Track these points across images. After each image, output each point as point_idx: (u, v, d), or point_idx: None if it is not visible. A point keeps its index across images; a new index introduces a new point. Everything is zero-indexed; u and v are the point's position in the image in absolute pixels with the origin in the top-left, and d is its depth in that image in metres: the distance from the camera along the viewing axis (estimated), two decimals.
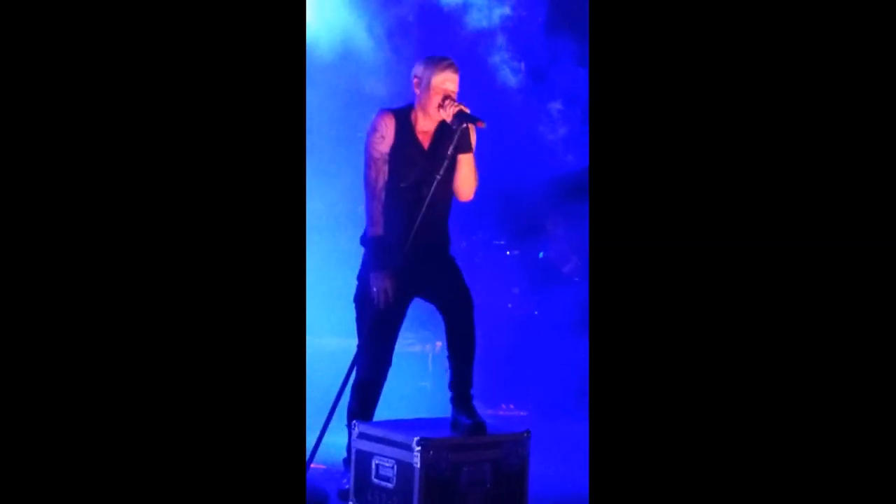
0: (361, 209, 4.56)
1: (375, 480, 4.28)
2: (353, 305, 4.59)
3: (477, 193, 7.20)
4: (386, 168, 4.43)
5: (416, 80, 4.49)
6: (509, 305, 7.65)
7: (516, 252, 7.72)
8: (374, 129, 4.45)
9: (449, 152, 4.39)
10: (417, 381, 6.84)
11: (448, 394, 4.49)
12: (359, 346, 4.59)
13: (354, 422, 4.44)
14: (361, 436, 4.36)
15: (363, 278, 4.54)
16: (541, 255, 7.73)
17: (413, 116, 4.49)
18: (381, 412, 4.75)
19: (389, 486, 4.21)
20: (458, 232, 7.33)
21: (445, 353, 4.54)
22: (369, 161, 4.46)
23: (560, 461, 5.58)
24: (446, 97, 4.40)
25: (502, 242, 7.70)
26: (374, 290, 4.42)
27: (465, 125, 4.38)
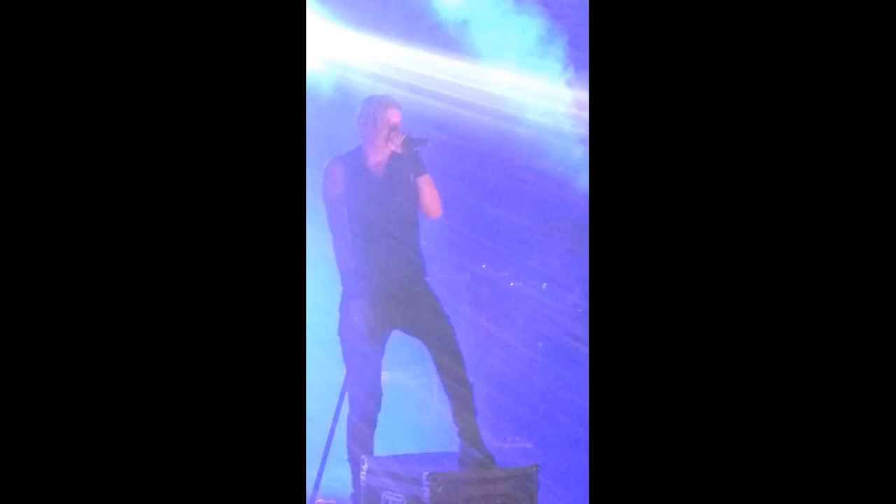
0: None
1: None
2: (339, 339, 4.66)
3: (480, 224, 7.23)
4: (344, 209, 4.65)
5: (361, 121, 4.73)
6: (513, 337, 7.62)
7: (520, 284, 7.71)
8: (324, 177, 4.70)
9: (409, 178, 4.63)
10: (422, 415, 6.81)
11: (453, 427, 4.47)
12: (346, 378, 4.66)
13: (363, 457, 4.42)
14: (370, 471, 4.34)
15: (345, 310, 4.62)
16: (544, 286, 7.71)
17: (363, 155, 4.70)
18: (388, 446, 4.73)
19: None
20: (460, 263, 7.39)
21: (441, 385, 4.55)
22: (326, 206, 4.71)
23: (568, 495, 5.54)
24: (391, 130, 4.64)
25: (506, 274, 7.69)
26: (354, 319, 4.54)
27: (416, 149, 4.63)
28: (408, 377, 6.81)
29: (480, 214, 7.28)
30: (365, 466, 4.36)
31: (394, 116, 4.69)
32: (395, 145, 4.65)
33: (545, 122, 7.18)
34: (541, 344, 7.58)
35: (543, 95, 7.16)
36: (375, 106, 4.73)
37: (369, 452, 4.53)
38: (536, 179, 7.42)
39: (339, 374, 5.20)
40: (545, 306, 7.67)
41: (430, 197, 4.67)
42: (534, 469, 4.38)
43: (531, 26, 7.02)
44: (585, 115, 7.07)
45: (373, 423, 4.62)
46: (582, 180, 7.34)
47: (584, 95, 7.16)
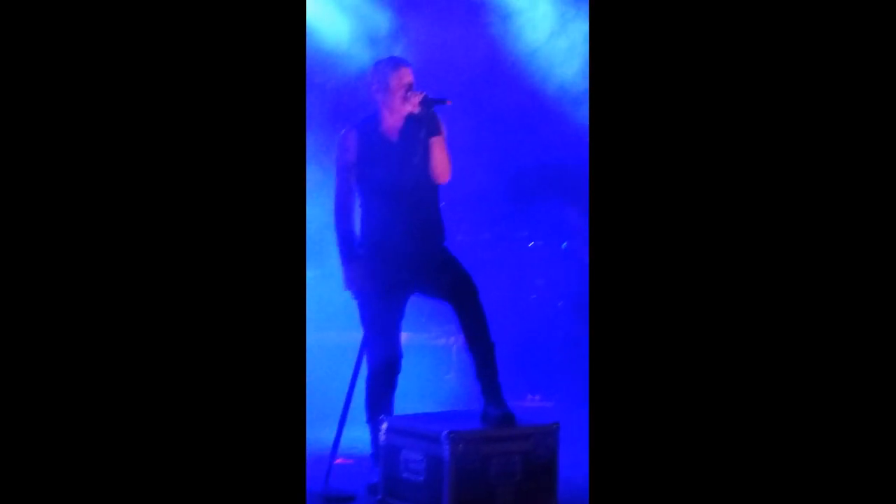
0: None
1: (405, 474, 4.26)
2: (356, 301, 4.64)
3: (498, 185, 7.19)
4: (353, 177, 4.58)
5: (374, 87, 4.63)
6: (533, 296, 7.62)
7: (540, 243, 7.69)
8: (338, 146, 4.63)
9: (422, 135, 4.49)
10: (442, 375, 6.83)
11: (476, 384, 4.47)
12: (364, 338, 4.62)
13: (382, 416, 4.43)
14: (390, 430, 4.35)
15: (358, 272, 4.58)
16: (564, 245, 7.69)
17: (379, 119, 4.62)
18: (407, 406, 4.74)
19: (419, 479, 4.19)
20: (480, 223, 7.37)
21: (464, 344, 4.53)
22: (336, 174, 4.64)
23: (586, 452, 5.54)
24: (407, 89, 4.54)
25: (525, 233, 7.67)
26: (348, 282, 4.56)
27: (432, 108, 4.51)
28: (428, 338, 6.84)
29: (499, 175, 7.26)
30: (384, 426, 4.37)
31: (406, 76, 4.58)
32: (412, 105, 4.54)
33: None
34: (561, 303, 7.57)
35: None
36: (386, 68, 4.62)
37: (389, 414, 4.55)
38: (564, 141, 7.40)
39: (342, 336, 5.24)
40: (565, 265, 7.66)
41: (439, 160, 4.56)
42: (555, 426, 4.38)
43: None
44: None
45: (392, 386, 4.63)
46: None
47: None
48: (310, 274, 4.31)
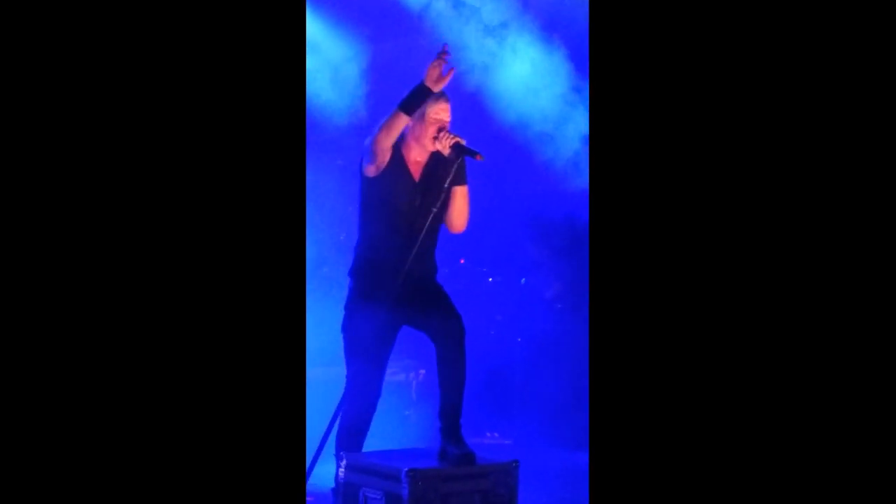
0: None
1: None
2: (342, 335, 4.54)
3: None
4: (377, 193, 4.39)
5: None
6: (492, 332, 7.61)
7: (499, 279, 7.70)
8: (371, 153, 4.36)
9: (446, 184, 4.36)
10: (401, 411, 6.80)
11: (437, 423, 4.45)
12: (348, 377, 4.53)
13: (342, 453, 4.39)
14: (349, 467, 4.31)
15: (350, 308, 4.49)
16: (523, 281, 7.70)
17: (404, 147, 4.44)
18: (368, 442, 4.70)
19: None
20: (439, 258, 7.37)
21: (436, 380, 4.50)
22: (363, 183, 4.43)
23: (545, 490, 5.55)
24: (441, 128, 4.36)
25: (484, 269, 7.68)
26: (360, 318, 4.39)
27: (462, 158, 4.36)
28: (387, 374, 6.79)
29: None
30: (343, 463, 4.34)
31: (444, 112, 4.39)
32: (442, 146, 4.36)
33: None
34: (519, 339, 7.58)
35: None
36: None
37: (360, 450, 4.51)
38: (525, 175, 7.43)
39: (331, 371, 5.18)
40: (524, 302, 7.67)
41: (460, 211, 4.45)
42: (514, 464, 4.36)
43: None
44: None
45: (368, 423, 4.58)
46: (574, 178, 7.36)
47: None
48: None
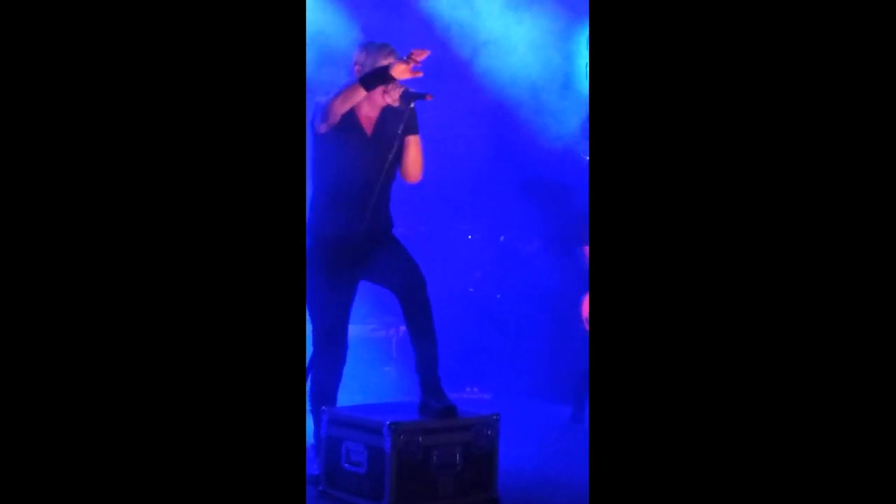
0: None
1: (346, 465, 4.28)
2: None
3: (438, 177, 7.22)
4: (332, 152, 4.41)
5: (357, 68, 4.46)
6: (471, 289, 7.66)
7: (478, 236, 7.74)
8: (319, 113, 4.38)
9: (399, 131, 4.40)
10: (382, 367, 6.85)
11: (415, 377, 4.49)
12: (313, 334, 4.57)
13: (323, 407, 4.43)
14: (331, 421, 4.36)
15: (309, 265, 4.49)
16: (502, 238, 7.75)
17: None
18: (348, 398, 4.75)
19: (360, 470, 4.21)
20: (418, 216, 7.40)
21: (407, 336, 4.54)
22: (312, 142, 4.44)
23: (525, 443, 5.62)
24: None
25: (463, 226, 7.71)
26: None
27: (412, 104, 4.40)
28: (367, 331, 6.85)
29: (439, 165, 7.28)
30: (325, 416, 4.39)
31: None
32: (391, 98, 4.41)
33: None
34: (498, 295, 7.63)
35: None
36: (371, 52, 4.45)
37: (333, 403, 4.55)
38: (501, 129, 7.45)
39: None
40: (503, 258, 7.72)
41: (414, 160, 4.49)
42: (494, 417, 4.42)
43: None
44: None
45: (338, 376, 4.61)
46: (548, 133, 7.39)
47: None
48: None
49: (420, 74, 4.25)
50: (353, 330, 4.76)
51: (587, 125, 7.63)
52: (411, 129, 4.46)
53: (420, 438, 4.18)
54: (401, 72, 4.24)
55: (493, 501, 4.38)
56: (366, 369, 6.21)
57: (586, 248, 6.76)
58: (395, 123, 4.44)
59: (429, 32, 7.01)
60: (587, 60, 7.98)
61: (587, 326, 6.73)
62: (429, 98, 4.36)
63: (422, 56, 4.23)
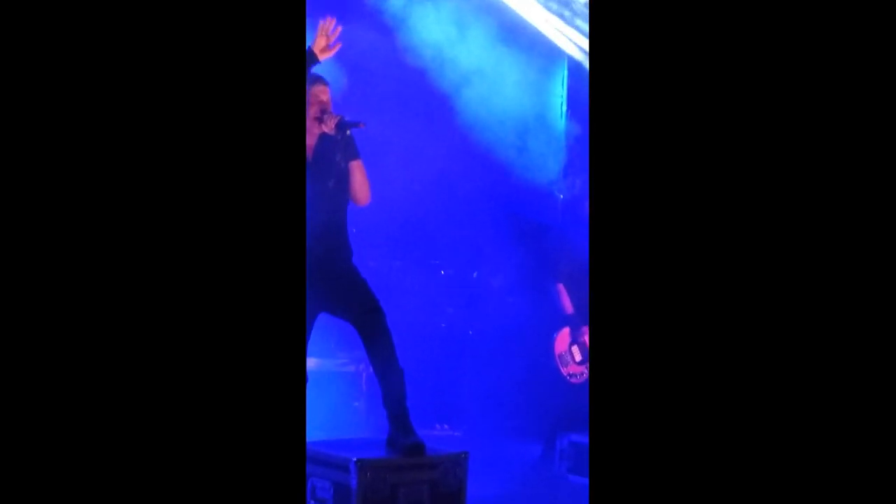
0: None
1: (312, 502, 4.21)
2: None
3: (412, 211, 7.19)
4: None
5: None
6: (443, 325, 7.62)
7: (451, 272, 7.71)
8: None
9: (339, 161, 4.46)
10: (351, 402, 6.78)
11: (383, 412, 4.42)
12: None
13: None
14: None
15: None
16: (475, 274, 7.72)
17: None
18: (316, 433, 4.69)
19: None
20: (391, 250, 7.37)
21: (370, 369, 4.49)
22: None
23: (494, 481, 5.57)
24: (323, 110, 4.46)
25: (437, 262, 7.68)
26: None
27: (348, 132, 4.46)
28: (336, 365, 6.78)
29: (415, 201, 7.27)
30: None
31: (322, 94, 4.49)
32: (327, 127, 4.46)
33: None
34: (471, 332, 7.59)
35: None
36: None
37: None
38: (477, 166, 7.44)
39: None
40: (476, 295, 7.69)
41: (360, 183, 4.54)
42: (463, 455, 4.36)
43: None
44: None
45: None
46: (525, 172, 7.39)
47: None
48: None
49: (339, 46, 4.38)
50: (322, 364, 4.71)
51: (570, 167, 7.67)
52: (352, 154, 4.52)
53: (387, 476, 4.11)
54: (321, 48, 4.35)
55: None
56: (335, 404, 6.15)
57: (561, 286, 6.74)
58: (333, 151, 4.49)
59: (407, 65, 7.00)
60: (563, 100, 8.03)
61: (559, 364, 6.70)
62: (361, 126, 4.44)
63: (331, 26, 4.35)
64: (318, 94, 4.48)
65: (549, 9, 7.47)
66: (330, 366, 6.57)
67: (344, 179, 4.51)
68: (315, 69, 4.49)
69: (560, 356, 6.71)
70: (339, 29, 4.38)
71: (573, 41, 7.57)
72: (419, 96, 7.08)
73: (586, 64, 7.46)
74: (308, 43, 4.37)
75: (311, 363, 4.62)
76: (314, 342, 4.58)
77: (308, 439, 4.51)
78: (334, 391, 6.25)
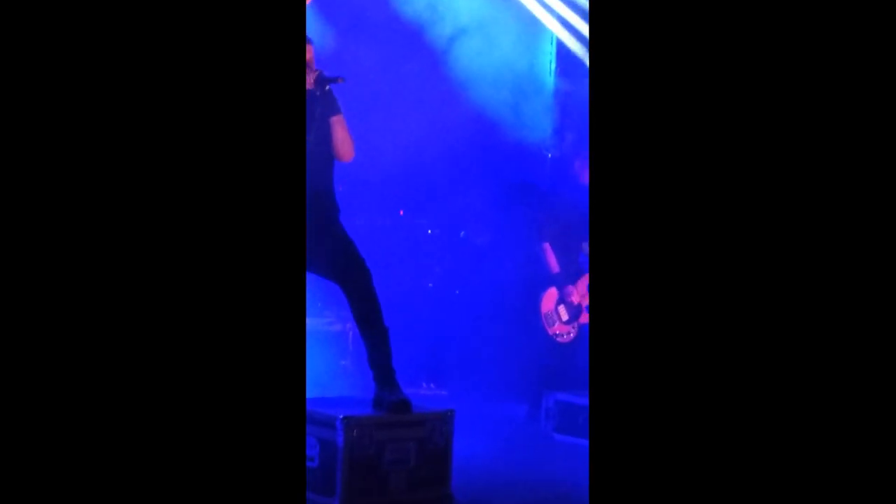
0: None
1: None
2: None
3: (399, 171, 7.16)
4: None
5: None
6: (430, 284, 7.62)
7: (438, 231, 7.69)
8: None
9: (321, 116, 4.44)
10: (338, 361, 6.79)
11: (370, 371, 4.43)
12: None
13: None
14: None
15: None
16: (462, 234, 7.71)
17: None
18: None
19: (312, 465, 4.15)
20: (378, 209, 7.35)
21: (356, 329, 4.49)
22: None
23: (480, 439, 5.59)
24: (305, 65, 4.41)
25: (424, 221, 7.66)
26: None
27: (328, 87, 4.43)
28: (323, 324, 6.79)
29: (402, 159, 7.24)
30: None
31: (306, 52, 4.45)
32: (308, 82, 4.43)
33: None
34: (458, 291, 7.59)
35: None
36: None
37: None
38: (467, 124, 7.41)
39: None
40: (462, 254, 7.68)
41: (342, 139, 4.52)
42: (450, 413, 4.37)
43: None
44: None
45: None
46: (515, 130, 7.36)
47: None
48: None
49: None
50: (309, 323, 4.69)
51: (560, 125, 7.64)
52: (333, 110, 4.50)
53: (373, 433, 4.12)
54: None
55: (446, 498, 4.33)
56: (322, 363, 6.15)
57: (547, 245, 6.74)
58: (312, 106, 4.44)
59: (399, 25, 6.96)
60: (552, 57, 7.99)
61: (546, 323, 6.72)
62: (340, 81, 4.41)
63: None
64: None
65: None
66: (317, 324, 6.57)
67: (326, 135, 4.48)
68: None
69: (546, 315, 6.72)
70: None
71: None
72: (410, 53, 7.05)
73: (576, 23, 7.43)
74: (307, 37, 4.37)
75: None
76: None
77: None
78: (321, 350, 6.24)
